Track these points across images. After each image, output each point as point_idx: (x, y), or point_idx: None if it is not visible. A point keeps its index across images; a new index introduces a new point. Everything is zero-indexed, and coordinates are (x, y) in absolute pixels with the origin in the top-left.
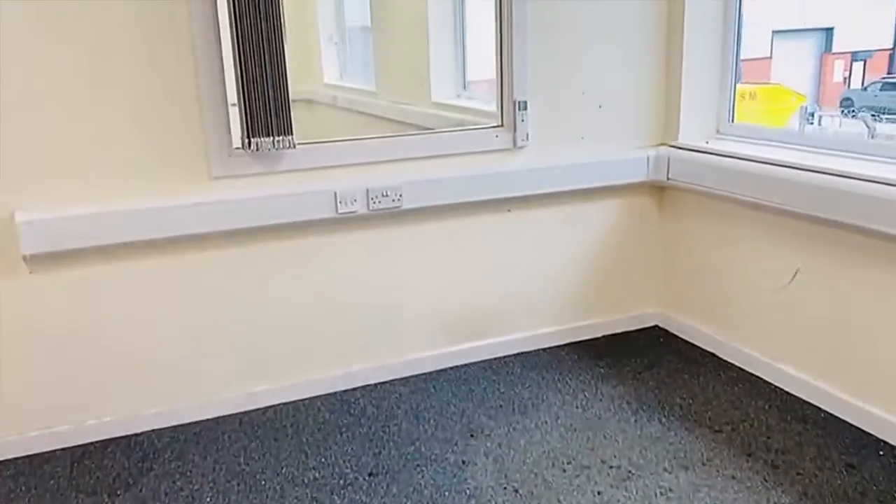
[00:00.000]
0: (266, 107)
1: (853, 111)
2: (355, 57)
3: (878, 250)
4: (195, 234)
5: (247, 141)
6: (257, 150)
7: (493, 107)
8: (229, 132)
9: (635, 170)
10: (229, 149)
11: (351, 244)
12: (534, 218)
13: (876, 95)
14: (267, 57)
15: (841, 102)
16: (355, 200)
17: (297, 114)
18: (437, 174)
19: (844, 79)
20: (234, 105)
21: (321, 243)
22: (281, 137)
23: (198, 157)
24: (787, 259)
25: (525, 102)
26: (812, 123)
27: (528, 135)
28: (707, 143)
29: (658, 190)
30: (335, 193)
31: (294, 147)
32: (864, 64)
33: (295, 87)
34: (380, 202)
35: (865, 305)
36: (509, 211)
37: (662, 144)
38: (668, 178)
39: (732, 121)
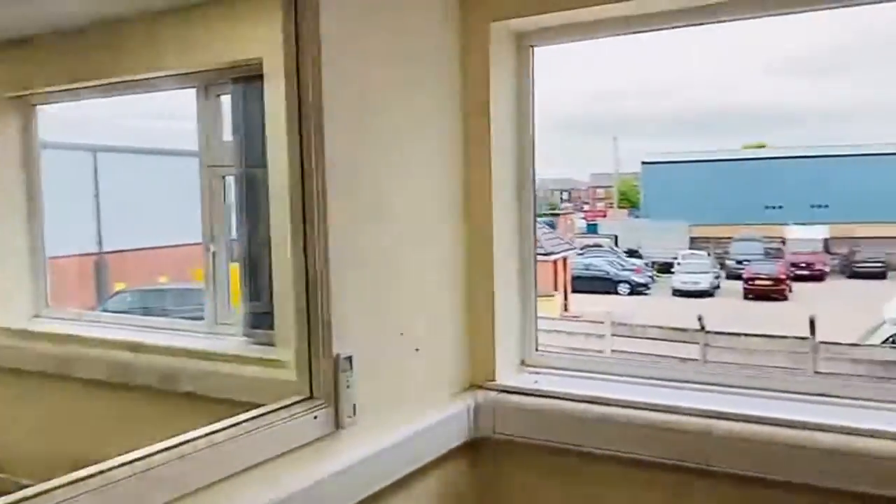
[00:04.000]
0: None
1: None
2: None
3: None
4: None
5: None
6: None
7: (99, 329)
8: None
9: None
10: None
11: None
12: None
13: None
14: None
15: None
16: None
17: None
18: None
19: None
20: None
21: None
22: None
23: None
24: None
25: (351, 358)
26: None
27: (355, 407)
28: (535, 382)
29: (476, 449)
30: None
31: None
32: None
33: None
34: None
35: None
36: None
37: (476, 387)
38: (494, 433)
39: (537, 348)
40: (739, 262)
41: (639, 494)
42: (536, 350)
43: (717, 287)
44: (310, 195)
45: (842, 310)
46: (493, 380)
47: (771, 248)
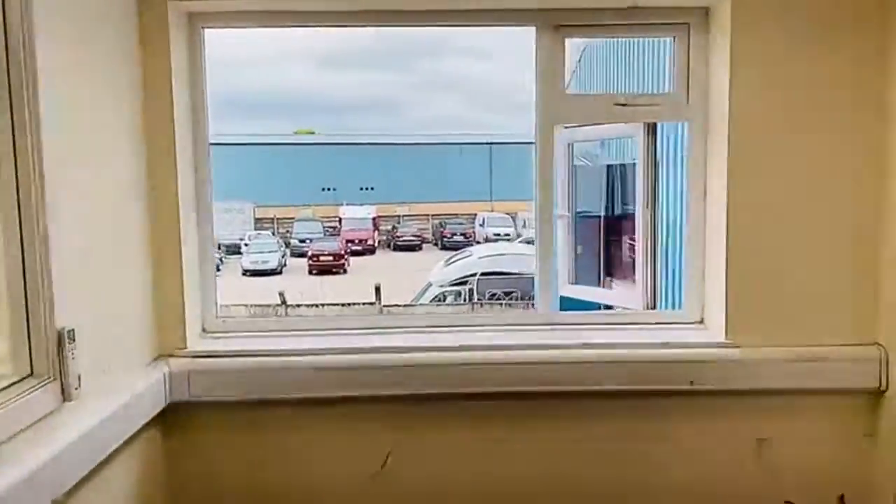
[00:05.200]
0: None
1: None
2: None
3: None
4: None
5: None
6: None
7: None
8: None
9: (157, 395)
10: None
11: None
12: None
13: None
14: None
15: None
16: None
17: None
18: None
19: None
20: None
21: None
22: None
23: None
24: (373, 445)
25: (73, 331)
26: None
27: (80, 378)
28: (223, 345)
29: (176, 413)
30: None
31: None
32: None
33: None
34: None
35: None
36: None
37: (169, 356)
38: (189, 397)
39: (217, 316)
40: (302, 241)
41: (312, 426)
42: (217, 317)
43: (285, 265)
44: (24, 171)
45: (392, 278)
46: (185, 347)
47: (329, 227)
